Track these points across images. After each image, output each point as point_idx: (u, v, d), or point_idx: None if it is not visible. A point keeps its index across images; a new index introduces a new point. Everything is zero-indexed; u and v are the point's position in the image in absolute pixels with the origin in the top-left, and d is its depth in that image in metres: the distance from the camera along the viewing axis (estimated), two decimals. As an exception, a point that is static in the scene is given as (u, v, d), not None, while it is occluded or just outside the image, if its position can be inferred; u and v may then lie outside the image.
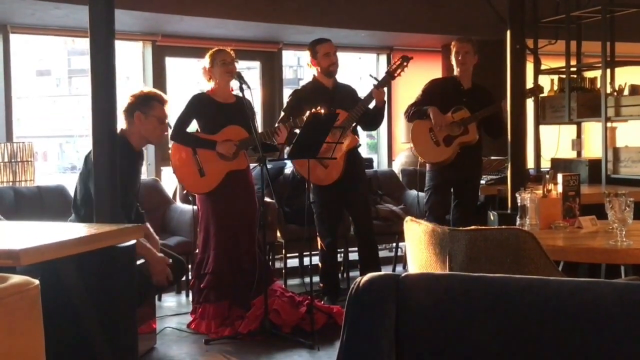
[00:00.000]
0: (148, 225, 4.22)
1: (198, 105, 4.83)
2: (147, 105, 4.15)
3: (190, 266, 5.31)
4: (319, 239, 5.26)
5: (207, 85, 4.88)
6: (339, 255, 5.66)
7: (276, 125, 5.03)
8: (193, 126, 4.96)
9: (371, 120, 5.35)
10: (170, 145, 4.89)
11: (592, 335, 1.45)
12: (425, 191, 5.49)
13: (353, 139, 5.16)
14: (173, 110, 6.44)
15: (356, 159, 5.30)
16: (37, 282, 2.08)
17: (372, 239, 5.37)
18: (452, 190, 5.46)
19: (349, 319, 1.59)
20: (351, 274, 6.06)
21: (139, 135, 4.13)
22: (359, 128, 5.39)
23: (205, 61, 4.80)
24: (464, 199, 5.43)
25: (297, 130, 4.72)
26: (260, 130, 5.22)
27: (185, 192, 5.22)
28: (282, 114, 5.20)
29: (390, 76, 5.18)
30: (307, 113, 4.60)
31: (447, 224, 5.20)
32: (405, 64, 5.13)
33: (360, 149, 5.48)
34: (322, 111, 4.61)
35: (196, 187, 4.84)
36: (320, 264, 5.35)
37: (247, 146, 4.76)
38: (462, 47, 5.35)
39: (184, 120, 4.84)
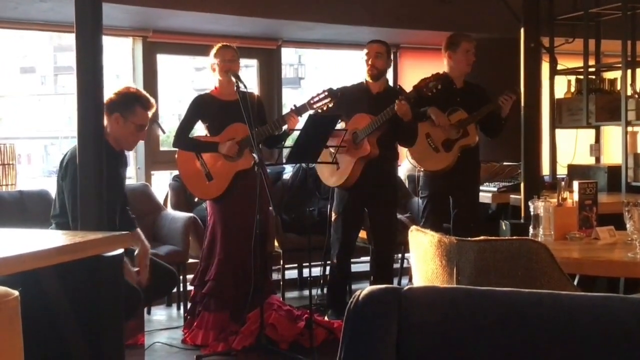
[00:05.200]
0: (139, 231, 4.22)
1: (199, 107, 4.89)
2: (129, 109, 4.04)
3: (181, 277, 5.32)
4: (331, 246, 5.27)
5: (203, 82, 4.92)
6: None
7: (292, 107, 4.96)
8: (201, 129, 5.01)
9: (403, 135, 5.20)
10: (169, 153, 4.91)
11: (607, 354, 1.45)
12: (421, 199, 5.48)
13: (365, 148, 5.04)
14: (165, 110, 6.49)
15: (384, 170, 5.20)
16: (16, 293, 2.09)
17: (387, 261, 5.36)
18: (450, 198, 5.43)
19: (347, 334, 1.59)
20: (354, 286, 6.06)
21: (113, 137, 4.05)
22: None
23: (211, 56, 4.88)
24: (464, 208, 5.39)
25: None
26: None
27: (196, 199, 5.27)
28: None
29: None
30: (308, 116, 4.65)
31: (445, 233, 5.19)
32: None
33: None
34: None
35: (206, 193, 4.89)
36: (328, 275, 5.36)
37: (250, 144, 4.76)
38: (472, 45, 5.32)
39: (185, 125, 4.90)
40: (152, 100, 4.19)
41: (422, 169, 5.38)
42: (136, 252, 4.07)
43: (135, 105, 4.07)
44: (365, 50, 5.22)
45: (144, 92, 4.22)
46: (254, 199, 4.72)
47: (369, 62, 5.17)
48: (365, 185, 5.08)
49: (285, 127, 4.88)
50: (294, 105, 4.92)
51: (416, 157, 5.38)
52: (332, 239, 5.25)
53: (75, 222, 3.76)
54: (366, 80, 5.25)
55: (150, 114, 4.14)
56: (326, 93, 4.86)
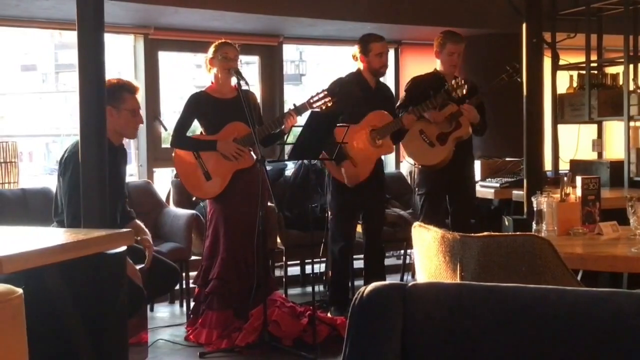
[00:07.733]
0: (138, 221, 4.25)
1: (196, 106, 4.87)
2: (118, 98, 4.05)
3: (184, 274, 5.33)
4: (330, 243, 5.27)
5: (205, 79, 4.93)
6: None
7: (291, 106, 5.00)
8: (197, 127, 5.01)
9: (398, 138, 5.40)
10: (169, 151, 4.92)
11: (611, 349, 1.45)
12: (418, 195, 5.54)
13: (390, 148, 5.29)
14: (166, 107, 6.49)
15: (381, 166, 5.44)
16: (20, 291, 2.09)
17: (381, 251, 5.46)
18: (446, 195, 5.48)
19: (352, 331, 1.59)
20: (356, 282, 6.05)
21: (112, 130, 4.02)
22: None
23: (209, 51, 4.84)
24: (462, 204, 5.47)
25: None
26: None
27: (194, 198, 5.29)
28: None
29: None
30: (309, 112, 4.66)
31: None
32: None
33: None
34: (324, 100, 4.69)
35: (204, 192, 4.88)
36: (330, 271, 5.36)
37: (250, 142, 4.76)
38: (458, 48, 5.36)
39: (182, 123, 4.88)
40: (136, 83, 4.26)
41: (420, 165, 5.42)
42: (140, 238, 4.10)
43: (122, 92, 4.11)
44: (377, 48, 5.23)
45: (126, 79, 4.28)
46: (254, 196, 4.73)
47: (382, 60, 5.24)
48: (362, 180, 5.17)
49: (283, 126, 4.89)
50: (294, 105, 4.93)
51: (412, 153, 5.44)
52: (334, 236, 5.26)
53: (70, 218, 3.78)
54: (361, 73, 5.30)
55: (138, 97, 4.20)
56: (325, 92, 4.87)
